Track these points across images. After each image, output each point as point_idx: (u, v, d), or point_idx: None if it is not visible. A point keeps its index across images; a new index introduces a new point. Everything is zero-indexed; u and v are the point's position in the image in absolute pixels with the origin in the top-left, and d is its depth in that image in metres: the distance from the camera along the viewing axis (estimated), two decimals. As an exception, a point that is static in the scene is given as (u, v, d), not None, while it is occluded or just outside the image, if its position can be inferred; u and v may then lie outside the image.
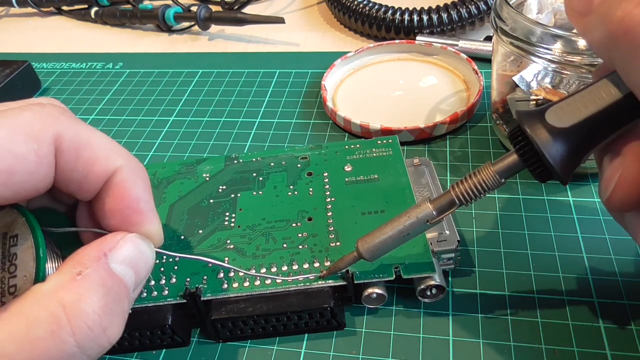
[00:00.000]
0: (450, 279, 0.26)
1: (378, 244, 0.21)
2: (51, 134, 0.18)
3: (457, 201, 0.20)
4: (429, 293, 0.24)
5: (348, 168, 0.29)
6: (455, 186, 0.20)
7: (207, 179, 0.30)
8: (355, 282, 0.23)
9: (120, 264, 0.19)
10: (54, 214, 0.23)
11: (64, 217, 0.23)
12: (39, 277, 0.18)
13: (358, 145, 0.31)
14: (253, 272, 0.24)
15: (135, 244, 0.20)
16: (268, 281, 0.24)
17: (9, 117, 0.18)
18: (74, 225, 0.22)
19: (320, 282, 0.23)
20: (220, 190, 0.29)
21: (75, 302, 0.17)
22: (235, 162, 0.31)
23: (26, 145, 0.18)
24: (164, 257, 0.25)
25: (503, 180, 0.19)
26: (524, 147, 0.18)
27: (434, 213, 0.20)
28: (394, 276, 0.23)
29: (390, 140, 0.31)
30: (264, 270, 0.24)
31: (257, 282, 0.24)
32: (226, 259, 0.25)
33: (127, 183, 0.20)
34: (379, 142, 0.31)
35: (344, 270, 0.23)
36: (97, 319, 0.17)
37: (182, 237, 0.27)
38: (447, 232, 0.25)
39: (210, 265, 0.24)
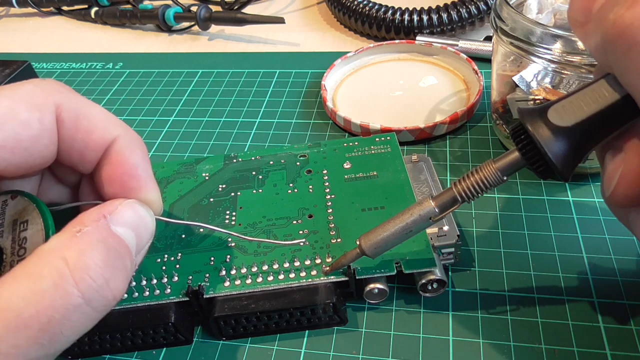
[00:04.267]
0: (450, 278, 0.26)
1: (380, 241, 0.21)
2: (52, 103, 0.19)
3: (459, 198, 0.20)
4: (430, 287, 0.24)
5: (347, 165, 0.29)
6: (457, 183, 0.20)
7: (207, 178, 0.30)
8: (357, 277, 0.24)
9: (121, 226, 0.19)
10: None
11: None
12: None
13: (356, 143, 0.31)
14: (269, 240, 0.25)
15: (135, 209, 0.20)
16: (270, 278, 0.24)
17: (11, 89, 0.19)
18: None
19: (322, 278, 0.24)
20: (220, 189, 0.29)
21: (76, 256, 0.17)
22: (235, 161, 0.31)
23: (29, 113, 0.19)
24: (165, 256, 0.25)
25: (505, 177, 0.19)
26: (526, 145, 0.18)
27: (437, 210, 0.20)
28: (395, 271, 0.23)
29: (388, 138, 0.31)
30: (265, 267, 0.24)
31: (260, 279, 0.24)
32: (227, 256, 0.25)
33: (125, 151, 0.20)
34: (377, 139, 0.31)
35: (346, 267, 0.23)
36: (99, 271, 0.17)
37: (184, 235, 0.26)
38: (447, 227, 0.25)
39: (232, 240, 0.25)
